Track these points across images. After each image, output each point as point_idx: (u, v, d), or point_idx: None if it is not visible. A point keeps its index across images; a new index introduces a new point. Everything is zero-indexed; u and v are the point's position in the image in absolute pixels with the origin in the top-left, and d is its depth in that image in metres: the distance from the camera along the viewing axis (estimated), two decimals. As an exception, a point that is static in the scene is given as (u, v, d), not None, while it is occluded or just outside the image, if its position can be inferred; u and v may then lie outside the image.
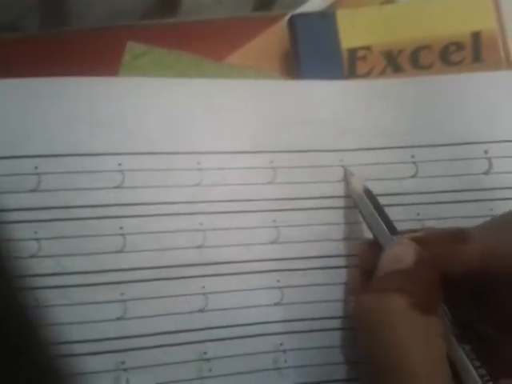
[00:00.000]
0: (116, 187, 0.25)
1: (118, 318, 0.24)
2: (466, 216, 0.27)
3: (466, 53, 0.29)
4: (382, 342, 0.19)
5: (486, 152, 0.28)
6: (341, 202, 0.27)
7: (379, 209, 0.25)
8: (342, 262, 0.26)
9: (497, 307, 0.21)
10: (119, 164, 0.25)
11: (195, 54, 0.28)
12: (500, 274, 0.20)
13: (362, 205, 0.25)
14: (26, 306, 0.16)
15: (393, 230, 0.24)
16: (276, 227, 0.26)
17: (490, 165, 0.28)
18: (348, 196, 0.27)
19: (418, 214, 0.27)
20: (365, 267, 0.25)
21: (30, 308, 0.17)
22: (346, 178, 0.27)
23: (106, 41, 0.29)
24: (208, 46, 0.28)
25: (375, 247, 0.24)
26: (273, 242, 0.26)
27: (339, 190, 0.27)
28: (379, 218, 0.24)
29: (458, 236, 0.21)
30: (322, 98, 0.28)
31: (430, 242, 0.22)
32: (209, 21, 0.30)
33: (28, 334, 0.16)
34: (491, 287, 0.21)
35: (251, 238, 0.26)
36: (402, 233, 0.24)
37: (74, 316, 0.24)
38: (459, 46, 0.29)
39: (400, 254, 0.22)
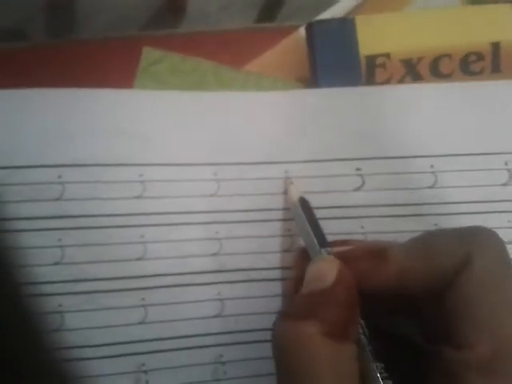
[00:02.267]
0: (137, 197, 0.27)
1: (139, 323, 0.26)
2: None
3: (485, 63, 0.29)
4: (294, 371, 0.20)
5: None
6: (356, 212, 0.28)
7: (312, 220, 0.25)
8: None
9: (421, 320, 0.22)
10: (140, 175, 0.27)
11: (212, 61, 0.29)
12: (415, 292, 0.21)
13: (296, 214, 0.26)
14: (29, 312, 0.17)
15: (323, 241, 0.24)
16: (290, 236, 0.28)
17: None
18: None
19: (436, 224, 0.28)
20: (298, 275, 0.25)
21: (34, 314, 0.17)
22: (286, 187, 0.28)
23: (122, 49, 0.30)
24: (226, 55, 0.30)
25: (307, 256, 0.25)
26: (287, 251, 0.27)
27: (354, 199, 0.28)
28: (310, 229, 0.25)
29: (378, 253, 0.22)
30: (336, 107, 0.29)
31: (351, 257, 0.22)
32: (226, 31, 0.31)
33: (30, 339, 0.17)
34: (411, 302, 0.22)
35: (266, 246, 0.27)
36: (333, 244, 0.24)
37: (97, 320, 0.26)
38: (479, 55, 0.29)
39: (322, 271, 0.22)
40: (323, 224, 0.28)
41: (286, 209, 0.28)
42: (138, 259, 0.27)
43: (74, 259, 0.26)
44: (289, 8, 0.33)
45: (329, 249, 0.24)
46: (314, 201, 0.28)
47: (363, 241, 0.27)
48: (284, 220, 0.28)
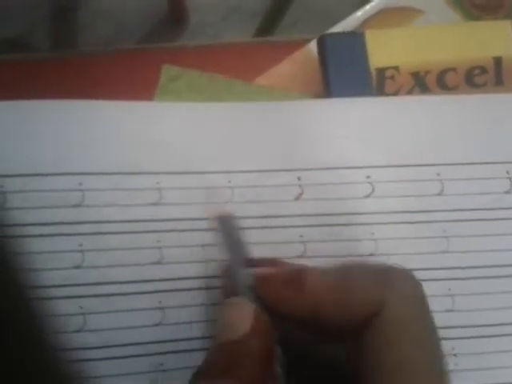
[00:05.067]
0: (154, 204, 0.29)
1: (156, 324, 0.28)
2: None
3: (489, 76, 0.31)
4: None
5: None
6: (366, 218, 0.30)
7: (234, 238, 0.25)
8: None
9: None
10: (157, 182, 0.29)
11: (226, 76, 0.31)
12: (328, 327, 0.22)
13: (222, 231, 0.26)
14: (34, 314, 0.18)
15: (247, 261, 0.24)
16: (302, 242, 0.29)
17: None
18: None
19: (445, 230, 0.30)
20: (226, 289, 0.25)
21: (39, 316, 0.18)
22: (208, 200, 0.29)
23: (138, 62, 0.32)
24: (238, 68, 0.32)
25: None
26: (299, 257, 0.29)
27: (365, 206, 0.30)
28: (234, 246, 0.25)
29: (297, 282, 0.22)
30: (347, 116, 0.31)
31: (271, 283, 0.22)
32: (237, 43, 0.33)
33: (35, 341, 0.17)
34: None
35: (279, 251, 0.29)
36: (259, 262, 0.24)
37: (116, 322, 0.27)
38: (483, 69, 0.31)
39: (236, 319, 0.22)
40: (335, 230, 0.29)
41: (299, 215, 0.29)
42: (155, 263, 0.28)
43: (94, 263, 0.28)
44: (288, 20, 0.35)
45: (250, 270, 0.23)
46: (326, 207, 0.30)
47: (288, 263, 0.26)
48: (298, 226, 0.29)
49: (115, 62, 0.33)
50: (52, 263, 0.27)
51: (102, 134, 0.29)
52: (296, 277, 0.22)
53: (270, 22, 0.36)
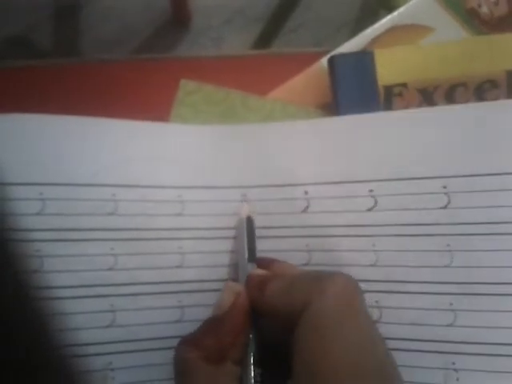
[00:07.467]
0: (177, 214, 0.33)
1: (176, 321, 0.32)
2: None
3: (500, 91, 0.32)
4: None
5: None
6: (368, 231, 0.32)
7: (251, 237, 0.31)
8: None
9: None
10: (179, 195, 0.33)
11: (241, 90, 0.34)
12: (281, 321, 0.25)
13: (240, 229, 0.31)
14: (39, 313, 0.19)
15: (252, 257, 0.30)
16: (308, 251, 0.32)
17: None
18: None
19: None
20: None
21: (44, 315, 0.19)
22: (240, 206, 0.33)
23: (157, 72, 0.35)
24: (251, 81, 0.34)
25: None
26: (305, 265, 0.32)
27: (367, 218, 0.32)
28: (246, 243, 0.30)
29: (261, 287, 0.27)
30: (352, 132, 0.33)
31: (247, 284, 0.28)
32: (252, 55, 0.35)
33: (39, 338, 0.18)
34: None
35: (286, 259, 0.32)
36: (259, 260, 0.30)
37: (141, 318, 0.32)
38: (494, 83, 0.32)
39: (222, 299, 0.27)
40: (338, 241, 0.32)
41: (305, 226, 0.32)
42: (177, 267, 0.32)
43: (125, 266, 0.32)
44: (291, 25, 0.37)
45: (251, 265, 0.29)
46: (330, 220, 0.32)
47: (283, 263, 0.31)
48: (304, 236, 0.32)
49: (130, 69, 0.36)
50: (87, 265, 0.32)
51: (133, 152, 0.33)
52: (262, 283, 0.27)
53: (272, 26, 0.37)
